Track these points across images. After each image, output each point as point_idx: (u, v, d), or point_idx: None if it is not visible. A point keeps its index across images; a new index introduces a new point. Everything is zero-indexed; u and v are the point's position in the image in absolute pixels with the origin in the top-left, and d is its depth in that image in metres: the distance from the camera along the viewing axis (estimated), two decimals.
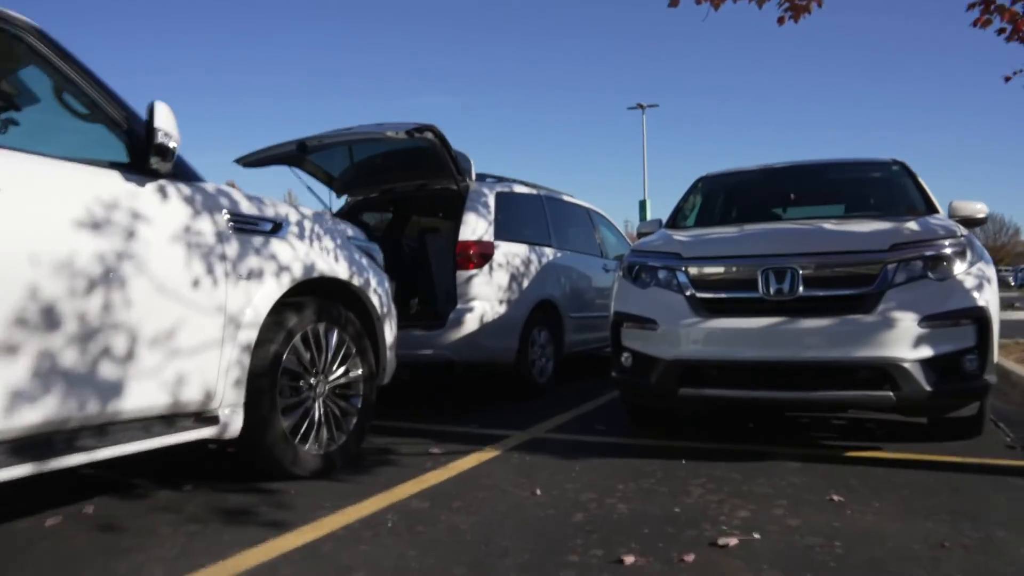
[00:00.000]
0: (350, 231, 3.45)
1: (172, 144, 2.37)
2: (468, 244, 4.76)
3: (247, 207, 2.83)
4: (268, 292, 2.81)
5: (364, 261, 3.42)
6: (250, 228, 2.81)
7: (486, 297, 4.77)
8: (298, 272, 2.96)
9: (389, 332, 3.55)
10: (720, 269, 3.37)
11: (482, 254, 4.81)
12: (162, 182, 2.50)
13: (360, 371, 3.33)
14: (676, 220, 4.69)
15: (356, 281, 3.30)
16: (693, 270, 3.41)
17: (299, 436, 2.97)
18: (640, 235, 4.70)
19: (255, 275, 2.76)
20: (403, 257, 5.89)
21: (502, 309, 4.87)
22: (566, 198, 6.42)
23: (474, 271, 4.74)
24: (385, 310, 3.51)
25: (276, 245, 2.90)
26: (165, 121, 2.34)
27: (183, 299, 2.47)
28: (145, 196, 2.41)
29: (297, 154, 4.66)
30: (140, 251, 2.34)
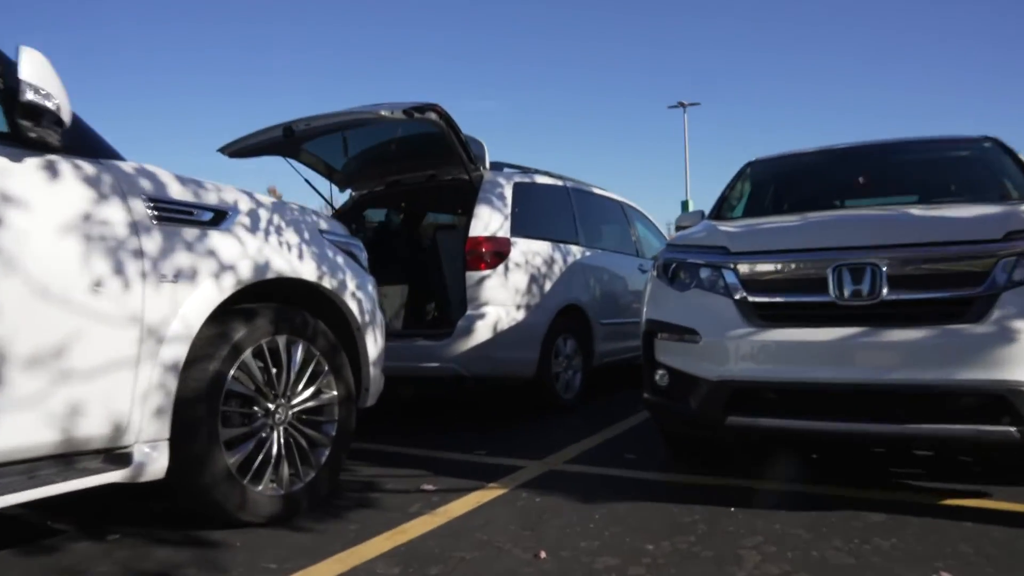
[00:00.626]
0: (323, 224, 2.88)
1: (49, 104, 1.82)
2: (479, 241, 4.15)
3: (177, 192, 2.27)
4: (204, 297, 2.25)
5: (339, 260, 2.84)
6: (180, 217, 2.25)
7: (501, 302, 4.16)
8: (247, 272, 2.39)
9: (373, 344, 2.96)
10: (778, 266, 2.69)
11: (496, 252, 4.20)
12: (52, 158, 1.96)
13: (334, 392, 2.75)
14: (721, 211, 4.00)
15: (328, 283, 2.72)
16: (744, 268, 2.73)
17: (250, 474, 2.41)
18: (679, 229, 4.03)
19: (186, 276, 2.20)
20: (416, 258, 5.32)
21: (520, 315, 4.25)
22: (596, 191, 5.76)
23: (486, 272, 4.13)
24: (366, 318, 2.92)
25: (218, 239, 2.34)
26: (36, 73, 1.79)
27: (77, 307, 1.91)
28: (21, 174, 1.87)
29: (286, 141, 4.12)
30: (9, 245, 1.79)
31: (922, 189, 3.76)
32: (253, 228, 2.49)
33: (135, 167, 2.20)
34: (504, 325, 4.14)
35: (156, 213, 2.17)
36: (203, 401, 2.25)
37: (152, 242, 2.13)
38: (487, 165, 4.53)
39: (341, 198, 5.30)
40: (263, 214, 2.56)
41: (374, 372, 2.98)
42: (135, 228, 2.09)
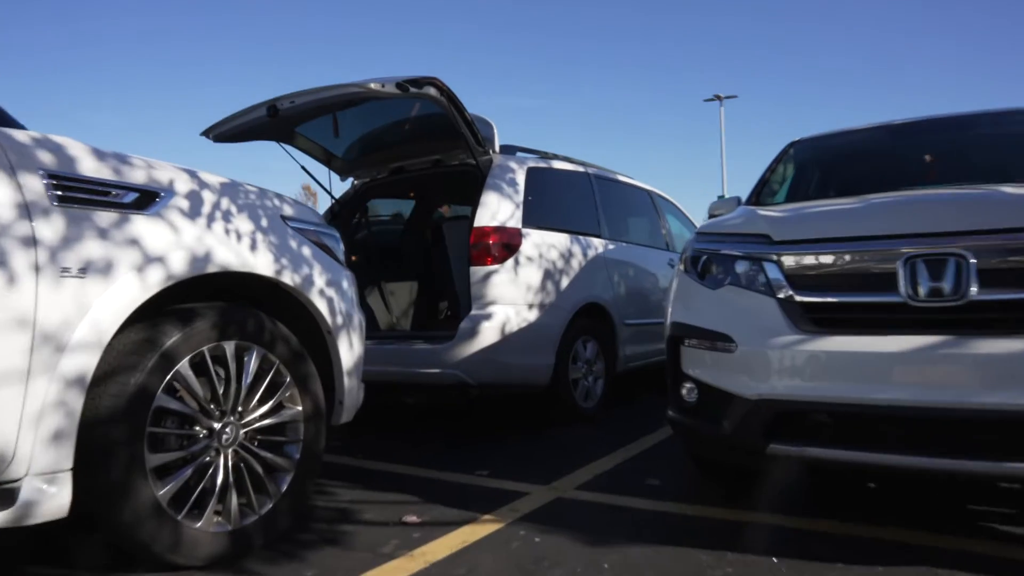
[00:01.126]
0: (288, 209, 2.46)
1: None
2: (486, 232, 3.71)
3: (91, 167, 1.87)
4: (122, 296, 1.84)
5: (306, 251, 2.42)
6: (92, 198, 1.84)
7: (510, 300, 3.71)
8: (180, 265, 1.98)
9: (347, 350, 2.54)
10: (833, 258, 2.18)
11: (505, 244, 3.74)
12: None
13: (298, 407, 2.34)
14: (760, 197, 3.49)
15: (289, 279, 2.31)
16: (790, 260, 2.23)
17: (187, 507, 2.00)
18: (712, 215, 3.53)
19: (97, 270, 1.80)
20: (426, 252, 4.90)
21: (532, 315, 3.79)
22: (622, 178, 5.26)
23: (494, 267, 3.68)
24: (339, 320, 2.50)
25: (143, 225, 1.93)
26: None
27: None
28: None
29: (271, 121, 3.72)
30: None
31: (1002, 169, 3.19)
32: (193, 213, 2.07)
33: (34, 136, 1.80)
34: (514, 326, 3.69)
35: (59, 193, 1.77)
36: (121, 422, 1.85)
37: (51, 227, 1.73)
38: (496, 148, 4.08)
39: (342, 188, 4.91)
40: (207, 196, 2.15)
41: (349, 383, 2.55)
42: (26, 210, 1.69)
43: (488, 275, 3.66)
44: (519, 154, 4.27)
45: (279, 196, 2.46)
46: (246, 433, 2.21)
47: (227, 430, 2.13)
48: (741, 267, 2.35)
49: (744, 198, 3.60)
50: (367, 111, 4.06)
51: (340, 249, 2.66)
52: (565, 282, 4.06)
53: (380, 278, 4.85)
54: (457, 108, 3.60)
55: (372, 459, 3.41)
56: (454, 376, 3.61)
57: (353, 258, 4.77)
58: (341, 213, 4.65)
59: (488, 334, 3.59)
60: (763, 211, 2.65)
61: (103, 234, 1.83)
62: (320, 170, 4.62)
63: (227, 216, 2.18)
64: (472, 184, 3.99)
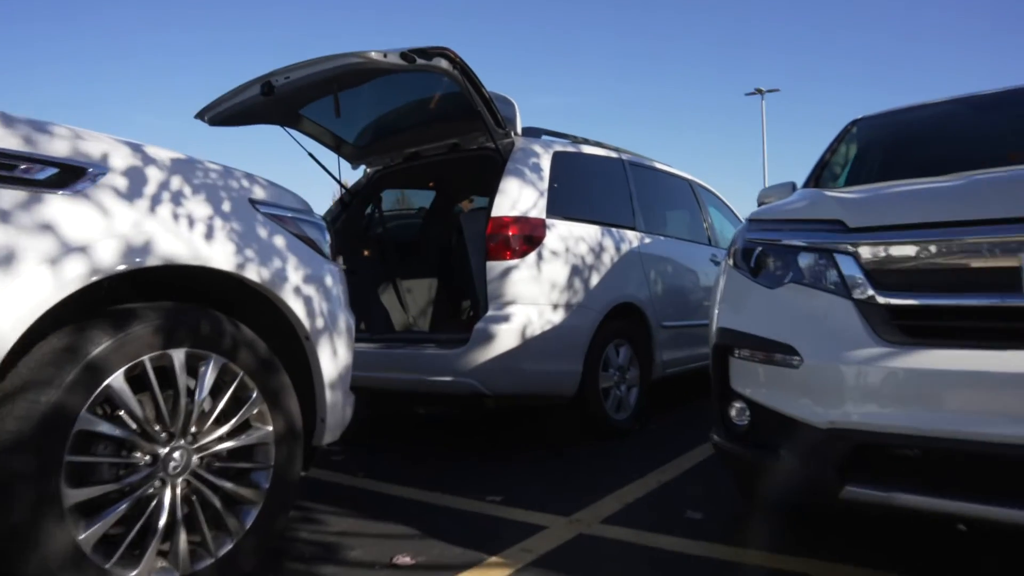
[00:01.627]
0: (258, 191, 2.08)
1: None
2: (504, 223, 3.30)
3: None
4: (30, 294, 1.48)
5: (279, 241, 2.04)
6: None
7: (532, 299, 3.29)
8: (111, 256, 1.62)
9: (330, 359, 2.15)
10: (930, 248, 1.71)
11: (526, 237, 3.33)
12: None
13: (268, 427, 1.96)
14: (820, 181, 3.02)
15: (255, 274, 1.93)
16: (871, 251, 1.77)
17: (120, 552, 1.64)
18: (761, 204, 3.07)
19: None
20: (447, 246, 4.52)
21: (557, 317, 3.37)
22: (659, 166, 4.80)
23: (513, 262, 3.27)
24: (320, 323, 2.11)
25: (62, 206, 1.57)
26: None
27: None
28: None
29: (272, 103, 3.37)
30: None
31: None
32: (132, 193, 1.71)
33: None
34: (536, 329, 3.27)
35: None
36: (27, 450, 1.49)
37: None
38: (519, 130, 3.66)
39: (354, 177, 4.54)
40: (152, 174, 1.78)
41: (333, 397, 2.17)
42: None
43: (507, 271, 3.25)
44: (544, 137, 3.85)
45: (249, 176, 2.08)
46: (201, 459, 1.84)
47: (176, 456, 1.77)
48: (806, 260, 1.89)
49: (800, 184, 3.13)
50: (376, 91, 3.68)
51: (325, 240, 2.28)
52: (595, 279, 3.63)
53: (396, 274, 4.47)
54: (473, 83, 3.20)
55: (372, 477, 3.03)
56: (468, 385, 3.20)
57: (366, 252, 4.42)
58: (352, 204, 4.29)
59: (506, 338, 3.18)
60: (833, 192, 2.18)
61: (3, 217, 1.47)
62: (330, 157, 4.27)
63: (177, 198, 1.81)
64: (492, 171, 3.57)
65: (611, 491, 2.75)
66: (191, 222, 1.81)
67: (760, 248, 2.04)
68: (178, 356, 1.78)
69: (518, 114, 3.64)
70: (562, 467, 3.17)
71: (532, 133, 3.80)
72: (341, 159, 4.25)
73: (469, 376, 3.19)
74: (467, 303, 4.55)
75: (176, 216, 1.78)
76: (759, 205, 3.21)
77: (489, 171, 3.61)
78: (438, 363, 3.28)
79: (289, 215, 2.14)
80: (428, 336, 3.86)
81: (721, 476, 2.93)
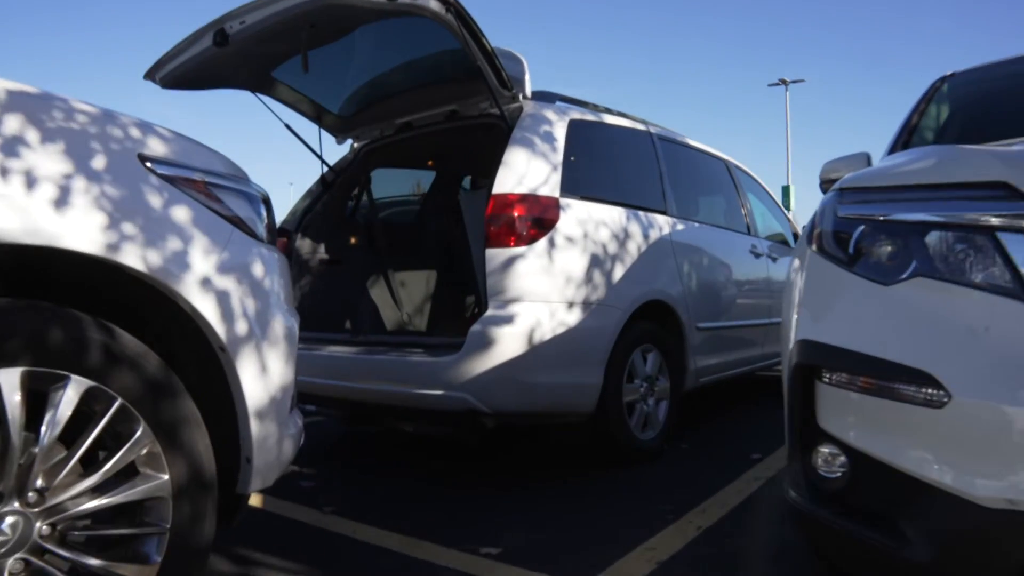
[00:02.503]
0: (155, 145, 1.49)
1: None
2: (508, 201, 2.70)
3: None
4: None
5: (182, 215, 1.45)
6: None
7: (541, 296, 2.69)
8: None
9: (257, 377, 1.56)
10: None
11: (536, 219, 2.73)
12: None
13: (163, 475, 1.39)
14: (909, 144, 2.38)
15: (137, 260, 1.35)
16: None
17: None
18: (827, 184, 2.47)
19: None
20: (446, 234, 3.93)
21: (573, 317, 2.76)
22: (693, 143, 4.17)
23: (519, 249, 2.66)
24: (242, 328, 1.52)
25: None
26: None
27: None
28: None
29: (229, 57, 2.79)
30: None
31: None
32: None
33: None
34: (546, 333, 2.66)
35: None
36: None
37: None
38: (528, 93, 3.05)
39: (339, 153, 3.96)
40: None
41: (262, 428, 1.58)
42: None
43: (511, 261, 2.65)
44: (559, 103, 3.24)
45: (143, 125, 1.49)
46: (52, 527, 1.27)
47: (3, 526, 1.20)
48: (943, 243, 1.27)
49: (878, 155, 2.51)
50: (360, 51, 3.10)
51: (259, 216, 1.69)
52: (619, 272, 3.02)
53: (388, 266, 3.89)
54: (472, 33, 2.59)
55: (343, 515, 2.45)
56: (461, 400, 2.61)
57: (353, 240, 3.84)
58: (336, 183, 3.71)
59: (509, 343, 2.58)
60: (983, 146, 1.55)
61: None
62: (310, 130, 3.69)
63: (10, 149, 1.23)
64: (496, 142, 2.97)
65: (639, 542, 2.15)
66: (31, 183, 1.23)
67: (863, 227, 1.42)
68: (8, 377, 1.20)
69: (527, 74, 3.03)
70: (576, 505, 2.57)
71: (544, 97, 3.19)
72: (323, 131, 3.66)
73: (462, 390, 2.59)
74: (471, 299, 3.96)
75: (5, 173, 1.20)
76: (823, 182, 2.59)
77: (493, 143, 3.01)
78: (426, 373, 2.69)
79: (200, 178, 1.55)
80: (418, 339, 3.27)
81: (776, 517, 2.32)
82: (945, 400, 1.14)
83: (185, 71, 2.94)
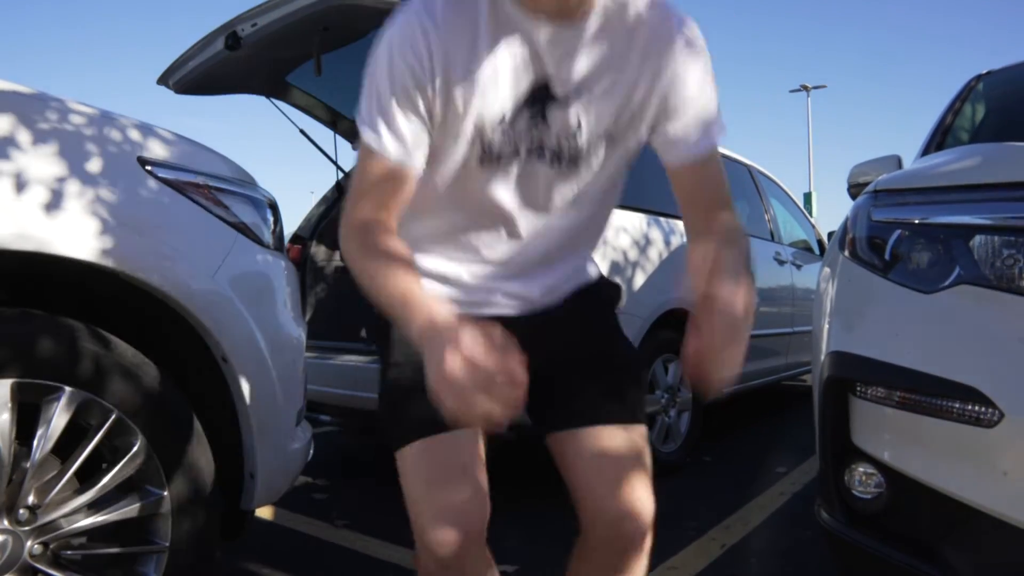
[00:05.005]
0: (156, 148, 1.44)
1: None
2: None
3: None
4: None
5: (186, 220, 1.40)
6: None
7: None
8: None
9: (262, 391, 1.50)
10: None
11: None
12: None
13: (161, 492, 1.33)
14: (944, 145, 2.29)
15: (135, 266, 1.29)
16: None
17: None
18: (855, 188, 2.38)
19: None
20: None
21: None
22: None
23: None
24: (245, 338, 1.47)
25: None
26: None
27: None
28: None
29: (245, 63, 2.76)
30: None
31: None
32: None
33: None
34: None
35: None
36: None
37: None
38: None
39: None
40: None
41: (267, 442, 1.52)
42: None
43: None
44: None
45: (144, 127, 1.45)
46: (45, 546, 1.21)
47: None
48: (988, 247, 1.18)
49: (909, 158, 2.41)
50: (362, 48, 3.04)
51: (266, 222, 1.64)
52: (640, 279, 2.94)
53: None
54: None
55: (356, 529, 2.39)
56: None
57: None
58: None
59: None
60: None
61: None
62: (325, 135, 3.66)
63: (4, 150, 1.18)
64: None
65: (661, 560, 2.06)
66: (22, 186, 1.18)
67: (900, 231, 1.33)
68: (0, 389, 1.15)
69: None
70: None
71: None
72: (338, 137, 3.62)
73: None
74: None
75: None
76: (852, 186, 2.50)
77: None
78: None
79: (205, 183, 1.50)
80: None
81: (808, 541, 2.22)
82: (996, 419, 1.05)
83: (198, 76, 2.91)
